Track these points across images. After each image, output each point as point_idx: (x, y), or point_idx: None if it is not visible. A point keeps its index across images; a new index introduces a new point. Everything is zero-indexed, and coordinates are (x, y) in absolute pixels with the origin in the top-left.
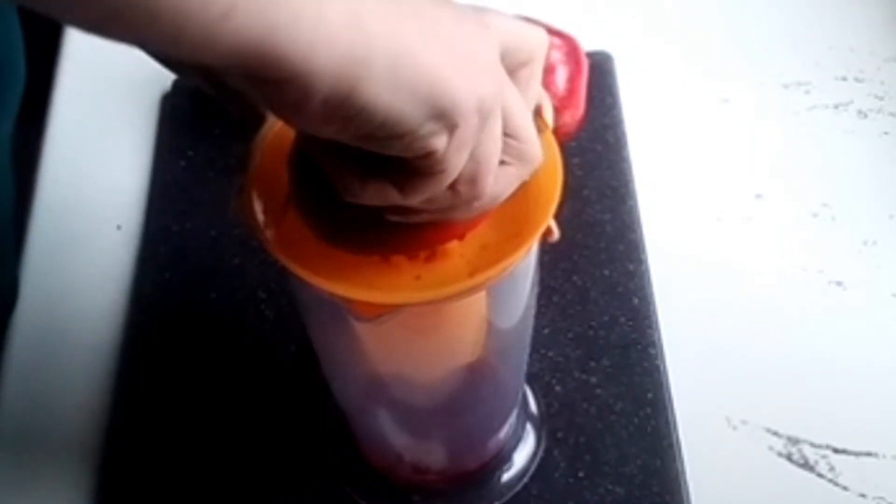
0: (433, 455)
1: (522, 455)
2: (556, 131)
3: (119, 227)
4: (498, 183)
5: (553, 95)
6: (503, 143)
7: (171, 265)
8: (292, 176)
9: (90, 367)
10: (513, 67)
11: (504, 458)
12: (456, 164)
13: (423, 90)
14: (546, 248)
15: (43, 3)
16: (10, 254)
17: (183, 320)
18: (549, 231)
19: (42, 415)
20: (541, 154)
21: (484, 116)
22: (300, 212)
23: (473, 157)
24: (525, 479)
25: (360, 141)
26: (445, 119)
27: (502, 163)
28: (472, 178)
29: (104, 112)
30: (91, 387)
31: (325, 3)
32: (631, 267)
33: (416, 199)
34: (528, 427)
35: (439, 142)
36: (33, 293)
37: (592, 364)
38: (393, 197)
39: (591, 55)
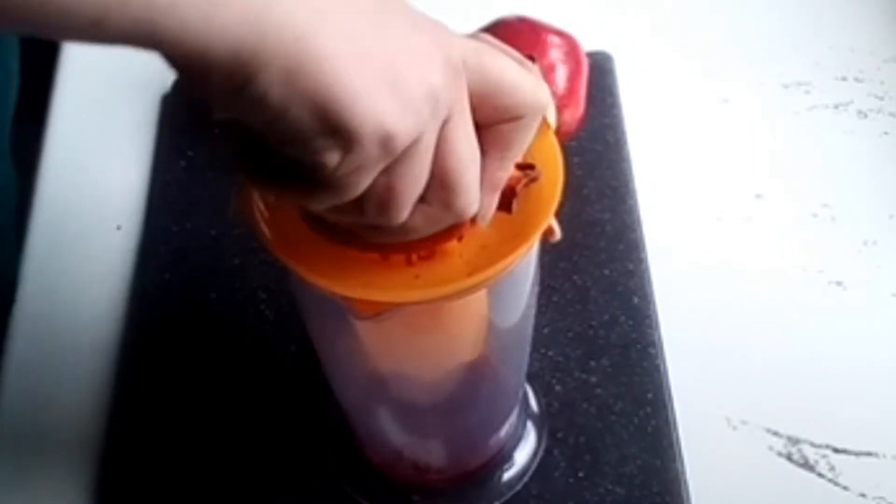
0: (434, 454)
1: (523, 454)
2: (556, 131)
3: (119, 227)
4: (415, 218)
5: (553, 95)
6: (431, 184)
7: (171, 265)
8: None
9: (90, 367)
10: (493, 119)
11: (505, 457)
12: (352, 185)
13: (319, 103)
14: (546, 248)
15: None
16: (10, 251)
17: (183, 320)
18: (550, 231)
19: (42, 414)
20: (472, 209)
21: (390, 151)
22: (300, 214)
23: (382, 185)
24: (526, 478)
25: (268, 135)
26: (338, 139)
27: (424, 200)
28: (378, 205)
29: (104, 112)
30: (91, 386)
31: (220, 3)
32: (631, 266)
33: (317, 208)
34: (529, 426)
35: (330, 158)
36: (33, 293)
37: (592, 364)
38: (306, 202)
39: (591, 55)
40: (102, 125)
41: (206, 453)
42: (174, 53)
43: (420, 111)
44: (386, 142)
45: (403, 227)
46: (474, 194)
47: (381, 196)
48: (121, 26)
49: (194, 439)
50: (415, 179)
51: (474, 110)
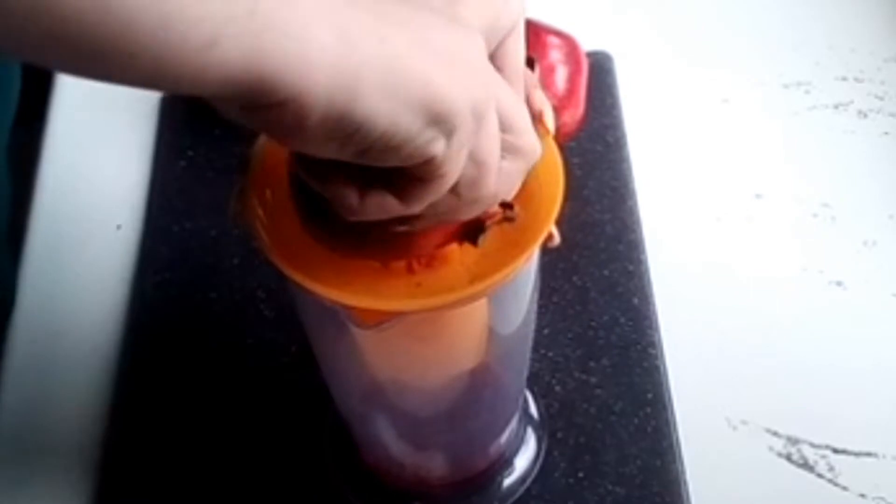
0: (434, 461)
1: (524, 459)
2: (556, 131)
3: (119, 227)
4: (500, 181)
5: (553, 95)
6: (500, 140)
7: (171, 265)
8: (292, 187)
9: (90, 368)
10: (498, 41)
11: (505, 462)
12: (455, 168)
13: (418, 98)
14: (546, 249)
15: (21, 51)
16: (6, 257)
17: (183, 320)
18: (549, 236)
19: (42, 414)
20: (539, 145)
21: (479, 117)
22: (301, 220)
23: (473, 159)
24: (527, 484)
25: (360, 156)
26: (442, 124)
27: (501, 159)
28: (473, 180)
29: (104, 112)
30: (91, 387)
31: (312, 22)
32: (631, 267)
33: (417, 207)
34: (529, 431)
35: (438, 147)
36: (33, 293)
37: (592, 364)
38: (393, 208)
39: (591, 55)
40: (102, 125)
41: (206, 455)
42: (271, 97)
43: (487, 75)
44: (477, 111)
45: (496, 195)
46: (533, 134)
47: (473, 170)
48: (225, 58)
49: (194, 440)
50: (493, 140)
51: None
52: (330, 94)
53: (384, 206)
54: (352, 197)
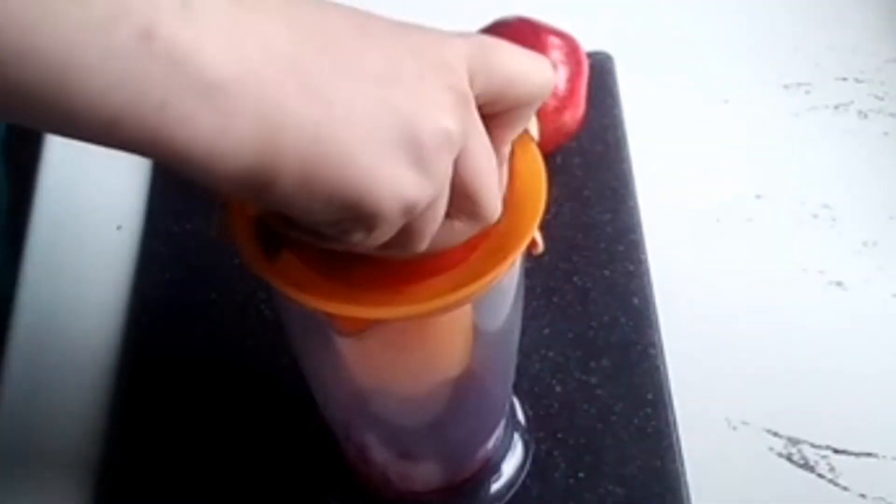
0: (420, 467)
1: (510, 465)
2: (556, 132)
3: (119, 227)
4: (440, 235)
5: (553, 96)
6: (454, 200)
7: (171, 265)
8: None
9: (90, 368)
10: (502, 108)
11: (492, 468)
12: (379, 241)
13: (340, 198)
14: (546, 249)
15: None
16: (4, 256)
17: (183, 320)
18: (533, 244)
19: (42, 414)
20: (498, 213)
21: (414, 214)
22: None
23: (405, 229)
24: (515, 488)
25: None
26: (363, 221)
27: (450, 216)
28: (402, 244)
29: None
30: (91, 387)
31: (232, 119)
32: (631, 267)
33: (341, 248)
34: (516, 437)
35: (356, 237)
36: (33, 293)
37: (592, 364)
38: (334, 247)
39: (591, 55)
40: None
41: (207, 455)
42: (184, 166)
43: (438, 165)
44: (408, 210)
45: (433, 246)
46: (497, 200)
47: (405, 237)
48: (130, 138)
49: (194, 441)
50: (436, 217)
51: (484, 106)
52: (239, 181)
53: (328, 245)
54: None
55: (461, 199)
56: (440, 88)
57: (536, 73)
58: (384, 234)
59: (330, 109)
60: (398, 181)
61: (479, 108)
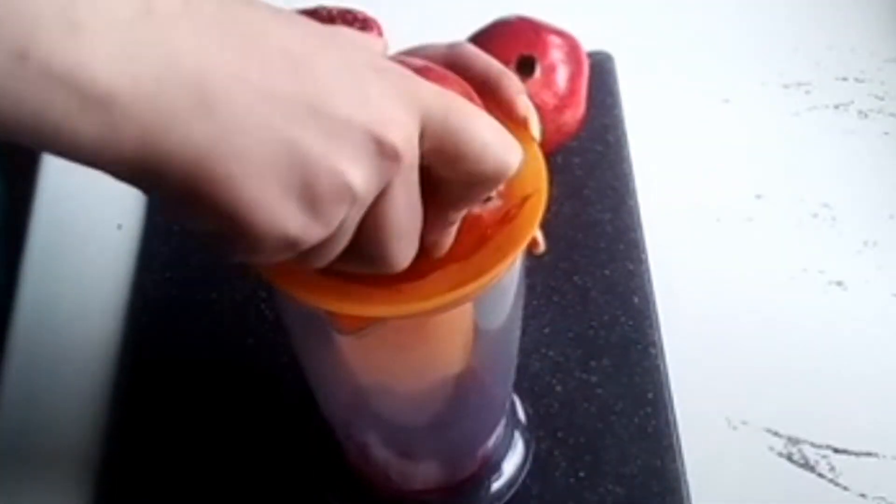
0: (420, 466)
1: (511, 464)
2: (557, 131)
3: (119, 227)
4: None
5: (554, 95)
6: (358, 240)
7: (171, 265)
8: None
9: (90, 367)
10: (452, 176)
11: (493, 467)
12: (271, 262)
13: (217, 216)
14: (546, 249)
15: None
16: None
17: (183, 320)
18: (534, 243)
19: (42, 414)
20: (400, 268)
21: (296, 250)
22: None
23: (300, 257)
24: (515, 487)
25: None
26: (241, 243)
27: (349, 252)
28: (302, 264)
29: None
30: (91, 386)
31: (112, 133)
32: (631, 266)
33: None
34: (517, 435)
35: (239, 255)
36: (33, 293)
37: (593, 364)
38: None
39: (591, 55)
40: None
41: (207, 455)
42: (74, 161)
43: (332, 213)
44: (291, 246)
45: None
46: (405, 257)
47: (302, 260)
48: (16, 139)
49: (194, 441)
50: (328, 254)
51: (431, 166)
52: (129, 170)
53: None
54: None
55: (365, 241)
56: (363, 139)
57: (497, 154)
58: (267, 259)
59: (225, 132)
60: (280, 216)
61: (429, 167)
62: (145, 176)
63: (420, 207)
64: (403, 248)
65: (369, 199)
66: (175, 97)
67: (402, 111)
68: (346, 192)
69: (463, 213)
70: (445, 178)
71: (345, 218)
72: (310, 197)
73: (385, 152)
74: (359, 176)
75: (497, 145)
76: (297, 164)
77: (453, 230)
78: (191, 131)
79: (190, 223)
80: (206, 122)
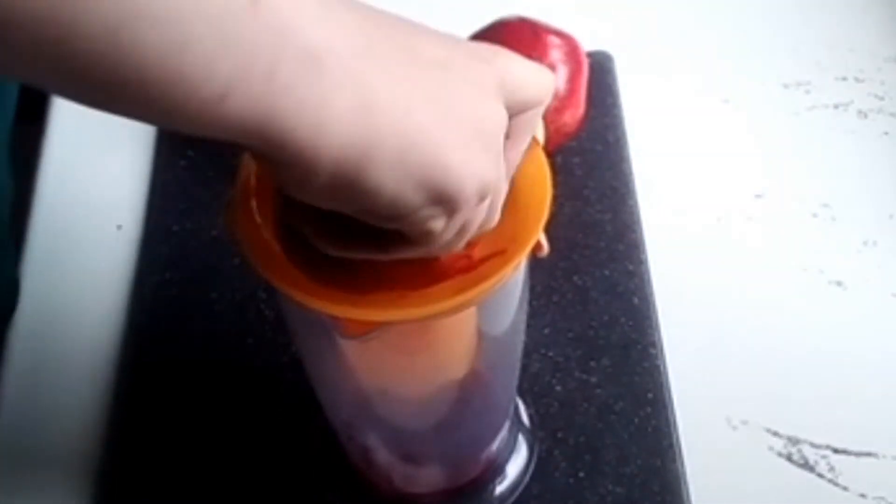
0: (425, 469)
1: (515, 467)
2: (557, 131)
3: (119, 227)
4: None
5: (554, 95)
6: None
7: (171, 265)
8: (279, 227)
9: (90, 367)
10: (516, 111)
11: (497, 470)
12: (448, 238)
13: (430, 179)
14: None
15: (48, 84)
16: (9, 255)
17: (183, 320)
18: (538, 246)
19: (42, 414)
20: (495, 222)
21: (483, 197)
22: (288, 255)
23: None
24: (519, 490)
25: (361, 215)
26: (447, 204)
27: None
28: (450, 243)
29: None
30: (91, 387)
31: (334, 90)
32: (631, 267)
33: (396, 257)
34: (521, 438)
35: (438, 224)
36: (33, 293)
37: (592, 364)
38: (373, 254)
39: (591, 55)
40: (102, 125)
41: (207, 455)
42: (280, 154)
43: (499, 150)
44: (484, 192)
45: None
46: (499, 209)
47: (455, 236)
48: (240, 108)
49: (194, 441)
50: (483, 213)
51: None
52: (339, 162)
53: (364, 253)
54: (337, 244)
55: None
56: (486, 79)
57: (538, 79)
58: (459, 221)
59: (412, 92)
60: (476, 161)
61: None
62: (361, 155)
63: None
64: (502, 200)
65: (488, 195)
66: (366, 61)
67: (484, 52)
68: (503, 126)
69: (522, 154)
70: (514, 112)
71: (470, 213)
72: (484, 137)
73: (499, 88)
74: (502, 110)
75: (534, 67)
76: (468, 110)
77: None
78: (391, 95)
79: (392, 202)
80: (397, 87)
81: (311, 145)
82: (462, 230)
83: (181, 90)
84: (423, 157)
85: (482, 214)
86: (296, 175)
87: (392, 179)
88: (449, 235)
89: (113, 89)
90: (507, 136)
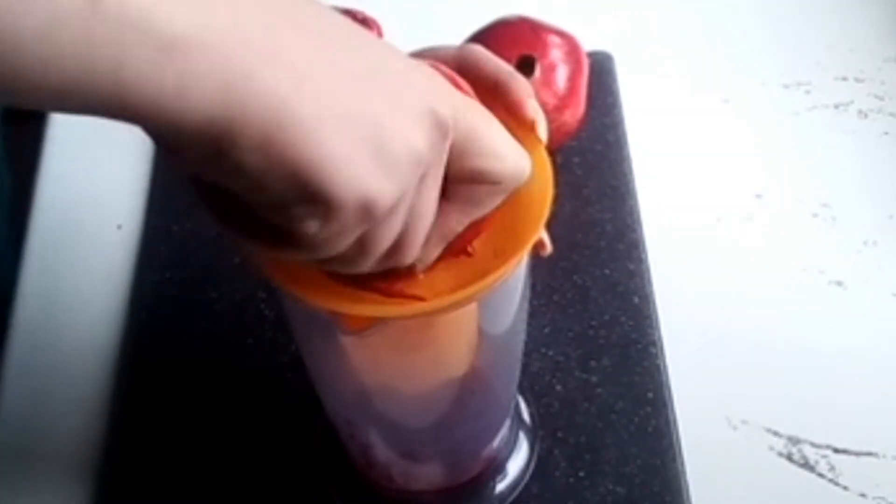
0: (425, 466)
1: (516, 464)
2: (557, 130)
3: (119, 227)
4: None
5: (554, 94)
6: (475, 168)
7: (171, 265)
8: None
9: (90, 367)
10: (468, 178)
11: (498, 468)
12: (330, 247)
13: (297, 172)
14: (537, 257)
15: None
16: (5, 253)
17: (183, 320)
18: (541, 244)
19: (41, 414)
20: (409, 261)
21: (371, 216)
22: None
23: (356, 243)
24: (520, 488)
25: (239, 193)
26: (321, 206)
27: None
28: (345, 261)
29: None
30: (91, 387)
31: (192, 73)
32: (631, 266)
33: (280, 256)
34: (522, 436)
35: (309, 226)
36: (33, 293)
37: (593, 363)
38: (257, 247)
39: (591, 55)
40: (102, 125)
41: (207, 455)
42: (147, 125)
43: (403, 175)
44: (367, 209)
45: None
46: (418, 250)
47: (354, 253)
48: (88, 101)
49: (194, 441)
50: (390, 237)
51: (450, 164)
52: (202, 133)
53: (273, 253)
54: (245, 243)
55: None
56: (424, 109)
57: (511, 159)
58: (338, 231)
59: (300, 84)
60: (361, 172)
61: (448, 166)
62: (223, 134)
63: (436, 204)
64: (421, 240)
65: (425, 172)
66: (248, 48)
67: (444, 92)
68: (415, 154)
69: (465, 224)
70: (464, 177)
71: (408, 190)
72: (384, 156)
73: (439, 123)
74: (423, 139)
75: (513, 150)
76: (371, 123)
77: (441, 247)
78: (268, 85)
79: (258, 190)
80: (281, 77)
81: (169, 125)
82: (363, 248)
83: (22, 91)
84: (291, 146)
85: (387, 235)
86: (169, 146)
87: (255, 165)
88: (336, 245)
89: None
90: (446, 197)
